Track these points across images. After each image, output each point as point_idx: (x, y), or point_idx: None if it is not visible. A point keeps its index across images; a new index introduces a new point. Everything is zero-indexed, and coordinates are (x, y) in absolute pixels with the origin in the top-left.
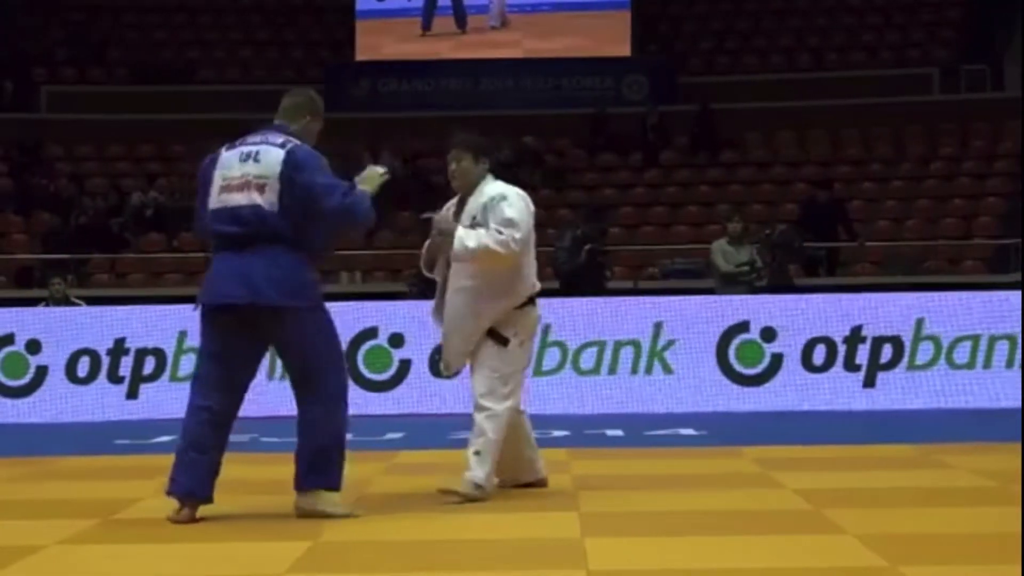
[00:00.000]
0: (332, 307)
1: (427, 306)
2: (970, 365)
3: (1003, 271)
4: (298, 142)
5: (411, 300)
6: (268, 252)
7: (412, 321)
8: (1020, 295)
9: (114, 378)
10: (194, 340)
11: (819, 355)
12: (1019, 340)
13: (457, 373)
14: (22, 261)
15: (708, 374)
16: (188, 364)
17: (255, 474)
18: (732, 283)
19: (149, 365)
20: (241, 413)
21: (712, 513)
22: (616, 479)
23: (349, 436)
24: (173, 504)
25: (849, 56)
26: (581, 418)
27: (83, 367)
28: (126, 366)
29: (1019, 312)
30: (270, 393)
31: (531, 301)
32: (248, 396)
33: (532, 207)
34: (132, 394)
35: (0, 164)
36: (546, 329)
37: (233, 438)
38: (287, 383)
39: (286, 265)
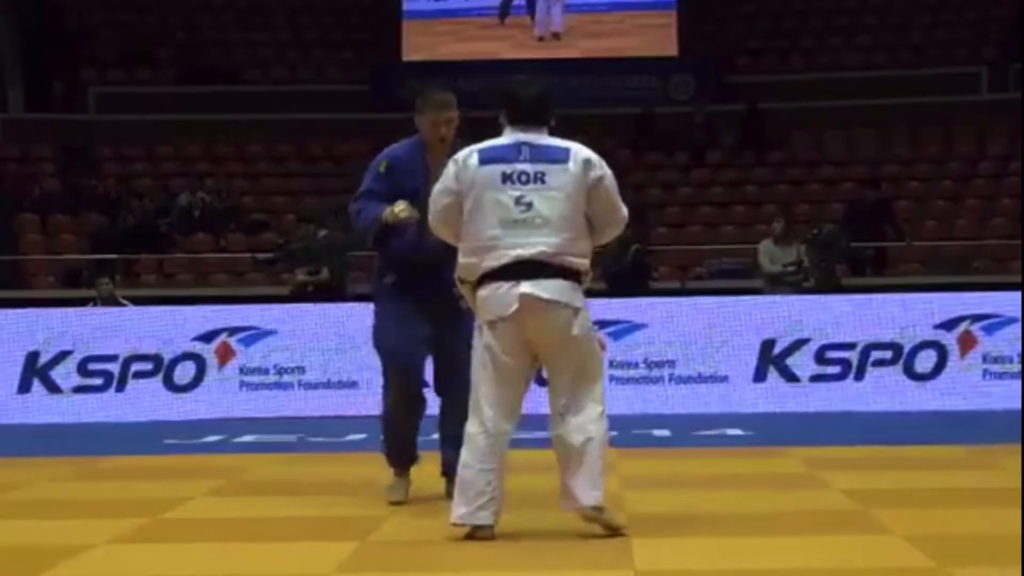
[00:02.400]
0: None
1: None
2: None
3: None
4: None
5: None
6: None
7: None
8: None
9: (162, 378)
10: (236, 342)
11: (869, 355)
12: None
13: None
14: (70, 262)
15: (756, 374)
16: (232, 365)
17: (302, 474)
18: (778, 283)
19: (195, 365)
20: (292, 413)
21: (759, 513)
22: (663, 479)
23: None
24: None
25: (897, 55)
26: (628, 418)
27: (132, 367)
28: (174, 366)
29: None
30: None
31: (481, 282)
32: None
33: (457, 169)
34: (180, 394)
35: (48, 165)
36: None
37: (280, 438)
38: (333, 387)
39: None
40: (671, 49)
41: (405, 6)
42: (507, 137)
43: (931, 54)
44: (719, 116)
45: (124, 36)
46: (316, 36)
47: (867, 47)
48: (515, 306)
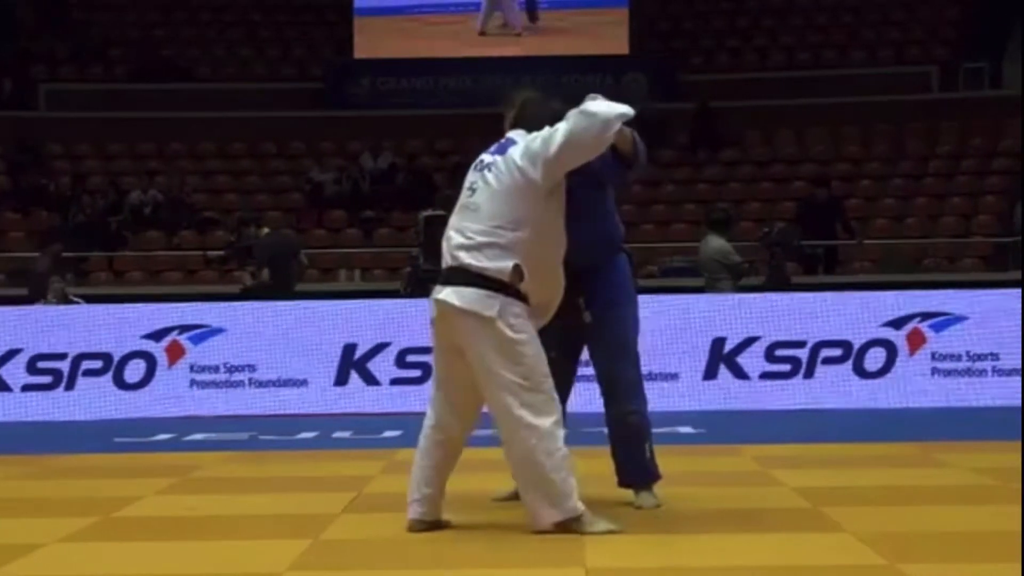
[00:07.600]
0: (329, 305)
1: (421, 304)
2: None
3: (1002, 269)
4: None
5: (406, 298)
6: None
7: (409, 319)
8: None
9: (112, 376)
10: (186, 340)
11: (819, 353)
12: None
13: None
14: (20, 259)
15: (706, 372)
16: (182, 363)
17: (253, 472)
18: (728, 274)
19: (145, 364)
20: (243, 412)
21: (710, 511)
22: (614, 477)
23: (346, 434)
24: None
25: (849, 54)
26: (580, 416)
27: (82, 365)
28: (124, 364)
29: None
30: (270, 392)
31: None
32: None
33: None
34: (130, 392)
35: None
36: None
37: (230, 436)
38: (283, 385)
39: None
40: (623, 48)
41: (357, 3)
42: None
43: (882, 54)
44: (671, 115)
45: (75, 33)
46: (269, 34)
47: (818, 46)
48: None
